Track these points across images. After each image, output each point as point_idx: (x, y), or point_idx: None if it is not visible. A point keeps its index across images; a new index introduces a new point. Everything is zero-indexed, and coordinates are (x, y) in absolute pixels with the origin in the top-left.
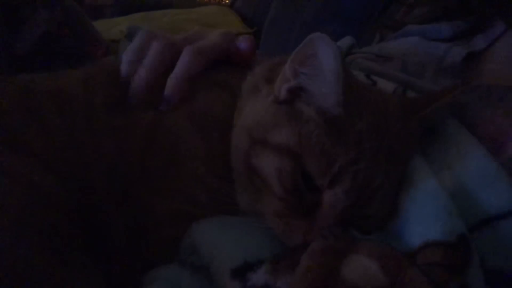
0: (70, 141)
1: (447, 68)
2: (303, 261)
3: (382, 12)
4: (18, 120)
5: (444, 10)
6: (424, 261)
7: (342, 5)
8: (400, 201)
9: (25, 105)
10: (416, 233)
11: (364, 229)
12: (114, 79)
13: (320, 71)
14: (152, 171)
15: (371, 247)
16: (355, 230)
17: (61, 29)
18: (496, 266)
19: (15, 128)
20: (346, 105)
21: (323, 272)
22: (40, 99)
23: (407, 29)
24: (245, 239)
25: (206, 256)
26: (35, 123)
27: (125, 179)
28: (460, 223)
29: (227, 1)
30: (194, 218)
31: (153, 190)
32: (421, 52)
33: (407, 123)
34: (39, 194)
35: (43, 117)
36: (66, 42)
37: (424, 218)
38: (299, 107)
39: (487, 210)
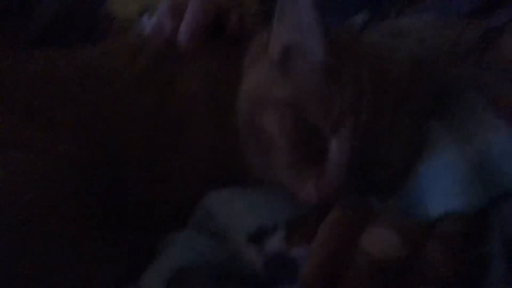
0: (92, 112)
1: (464, 42)
2: (320, 232)
3: None
4: (40, 93)
5: None
6: (444, 231)
7: None
8: (421, 169)
9: (46, 78)
10: (436, 203)
11: (385, 178)
12: (135, 48)
13: (301, 21)
14: (164, 132)
15: (391, 218)
16: (375, 180)
17: (74, 7)
18: None
19: (37, 101)
20: (340, 51)
21: (341, 243)
22: (61, 72)
23: (423, 5)
24: (259, 206)
25: (222, 223)
26: (57, 96)
27: (144, 138)
28: (482, 194)
29: None
30: (204, 179)
31: (167, 147)
32: (437, 28)
33: (416, 71)
34: (63, 166)
35: (65, 90)
36: (80, 20)
37: (445, 188)
38: (293, 63)
39: (510, 182)
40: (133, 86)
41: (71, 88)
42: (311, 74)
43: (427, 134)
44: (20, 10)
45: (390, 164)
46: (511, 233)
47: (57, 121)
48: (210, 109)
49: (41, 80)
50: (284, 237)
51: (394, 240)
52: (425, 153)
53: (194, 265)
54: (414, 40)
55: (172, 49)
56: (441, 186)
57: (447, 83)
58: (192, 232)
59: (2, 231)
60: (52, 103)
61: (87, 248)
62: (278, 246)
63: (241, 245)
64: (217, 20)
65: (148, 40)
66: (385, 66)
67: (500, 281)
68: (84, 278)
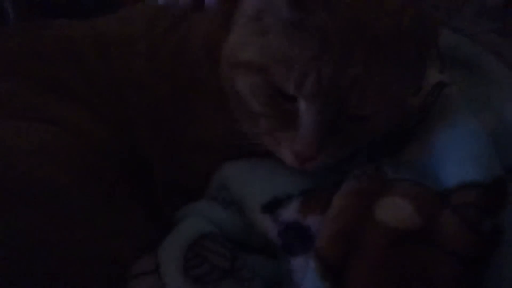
0: (109, 84)
1: (488, 10)
2: (336, 201)
3: None
4: (61, 66)
5: None
6: (459, 201)
7: None
8: (437, 139)
9: (67, 49)
10: (452, 173)
11: (368, 134)
12: (149, 19)
13: None
14: (178, 103)
15: (405, 188)
16: (357, 137)
17: None
18: None
19: (59, 74)
20: (303, 4)
21: (356, 214)
22: (79, 43)
23: None
24: (274, 176)
25: (237, 193)
26: (78, 68)
27: (159, 113)
28: (498, 165)
29: None
30: (217, 150)
31: (180, 122)
32: None
33: (403, 17)
34: (88, 140)
35: (84, 62)
36: None
37: (462, 159)
38: (264, 23)
39: None
40: (147, 56)
41: (89, 58)
42: (277, 33)
43: (442, 99)
44: None
45: (374, 121)
46: None
47: (77, 93)
48: (212, 72)
49: (60, 51)
50: (299, 207)
51: (408, 209)
52: (444, 124)
53: (211, 234)
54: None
55: (183, 17)
56: (458, 156)
57: (468, 50)
58: (208, 202)
59: (27, 201)
60: (72, 75)
61: (109, 219)
62: (293, 215)
63: (256, 214)
64: None
65: (162, 9)
66: (362, 12)
67: None
68: (106, 248)
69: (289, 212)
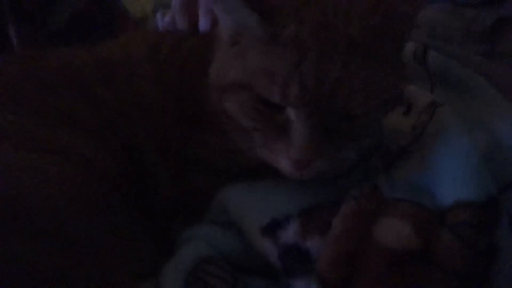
0: (115, 109)
1: (476, 33)
2: (336, 224)
3: None
4: (65, 94)
5: None
6: (455, 220)
7: None
8: (432, 159)
9: (70, 77)
10: (447, 192)
11: (363, 131)
12: (152, 43)
13: (230, 4)
14: (184, 125)
15: (403, 208)
16: (347, 138)
17: (90, 5)
18: None
19: (64, 101)
20: (274, 20)
21: (356, 236)
22: (83, 70)
23: None
24: (271, 196)
25: (236, 215)
26: (82, 96)
27: (166, 135)
28: (492, 183)
29: None
30: (217, 169)
31: (185, 143)
32: (449, 17)
33: (373, 16)
34: (92, 169)
35: (88, 89)
36: (98, 19)
37: (457, 178)
38: (242, 44)
39: None
40: (154, 79)
41: (93, 85)
42: (255, 51)
43: (435, 119)
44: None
45: (365, 117)
46: None
47: (82, 122)
48: (207, 96)
49: (64, 79)
50: (298, 229)
51: (407, 230)
52: (436, 142)
53: (212, 258)
54: (426, 30)
55: (184, 43)
56: (452, 175)
57: (457, 72)
58: (208, 226)
59: (33, 234)
60: (77, 103)
61: (114, 248)
62: (293, 238)
63: (255, 237)
64: None
65: (163, 35)
66: (333, 16)
67: (509, 268)
68: (110, 276)
69: (289, 235)
